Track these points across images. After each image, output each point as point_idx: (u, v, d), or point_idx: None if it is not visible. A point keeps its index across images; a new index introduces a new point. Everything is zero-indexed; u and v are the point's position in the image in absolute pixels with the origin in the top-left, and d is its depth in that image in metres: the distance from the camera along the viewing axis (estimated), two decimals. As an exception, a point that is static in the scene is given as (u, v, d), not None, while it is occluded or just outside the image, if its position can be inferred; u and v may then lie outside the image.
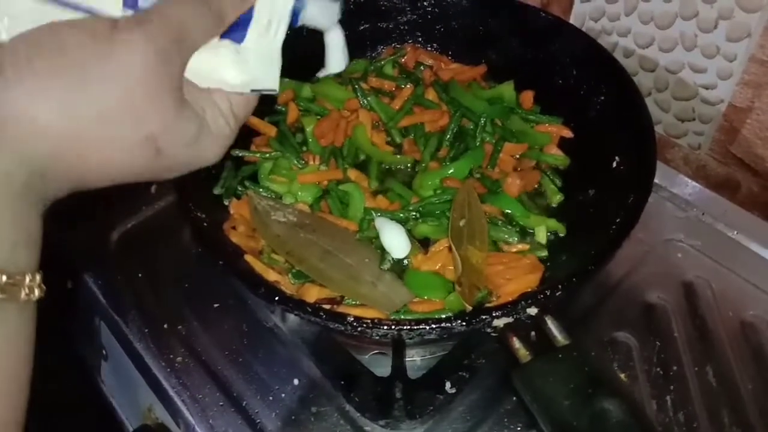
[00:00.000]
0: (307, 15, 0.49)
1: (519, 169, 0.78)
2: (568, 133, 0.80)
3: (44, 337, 0.85)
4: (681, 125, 0.95)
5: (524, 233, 0.73)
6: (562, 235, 0.72)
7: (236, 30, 0.43)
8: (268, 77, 0.45)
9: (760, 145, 0.87)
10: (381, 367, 0.69)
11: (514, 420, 0.66)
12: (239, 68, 0.43)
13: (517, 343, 0.53)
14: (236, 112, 0.45)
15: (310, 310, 0.56)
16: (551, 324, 0.53)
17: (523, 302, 0.55)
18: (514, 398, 0.66)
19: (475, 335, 0.69)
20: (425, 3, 0.88)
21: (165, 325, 0.76)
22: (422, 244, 0.72)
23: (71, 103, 0.36)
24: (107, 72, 0.36)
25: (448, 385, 0.66)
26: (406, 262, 0.70)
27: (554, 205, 0.76)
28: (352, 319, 0.55)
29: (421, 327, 0.55)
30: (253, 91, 0.45)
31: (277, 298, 0.57)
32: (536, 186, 0.77)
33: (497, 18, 0.86)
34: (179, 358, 0.74)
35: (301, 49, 0.86)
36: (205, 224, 0.65)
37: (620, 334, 0.72)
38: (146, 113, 0.38)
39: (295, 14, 0.46)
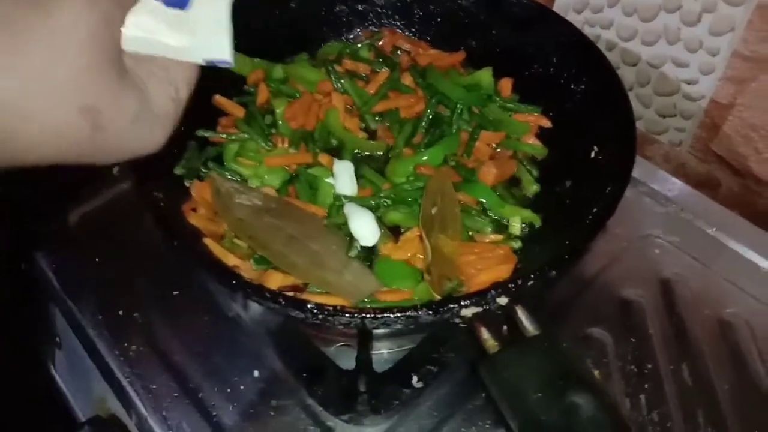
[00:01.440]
0: None
1: (495, 158, 0.76)
2: (546, 123, 0.77)
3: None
4: (662, 121, 0.93)
5: (498, 223, 0.70)
6: (537, 226, 0.70)
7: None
8: (219, 45, 0.43)
9: (741, 143, 0.85)
10: (346, 359, 0.67)
11: (483, 416, 0.64)
12: (185, 33, 0.41)
13: (485, 333, 0.50)
14: (179, 88, 0.42)
15: (269, 295, 0.53)
16: (521, 313, 0.50)
17: (493, 291, 0.52)
18: (484, 394, 0.64)
19: (444, 328, 0.66)
20: (404, -15, 0.85)
21: (120, 312, 0.73)
22: (393, 232, 0.69)
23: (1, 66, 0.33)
24: (44, 32, 0.33)
25: (415, 379, 0.64)
26: (376, 250, 0.67)
27: (530, 196, 0.74)
28: (313, 305, 0.52)
29: (385, 315, 0.52)
30: (205, 61, 0.43)
31: (234, 282, 0.54)
32: (512, 176, 0.75)
33: (477, 3, 0.83)
34: (134, 347, 0.70)
35: (273, 32, 0.84)
36: (162, 204, 0.61)
37: (595, 330, 0.70)
38: (85, 82, 0.35)
39: None
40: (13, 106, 0.34)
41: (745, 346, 0.69)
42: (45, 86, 0.34)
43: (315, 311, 0.52)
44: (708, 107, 0.86)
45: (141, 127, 0.39)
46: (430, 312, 0.52)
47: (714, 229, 0.79)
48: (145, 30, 0.40)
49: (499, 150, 0.76)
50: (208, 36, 0.42)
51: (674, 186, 0.84)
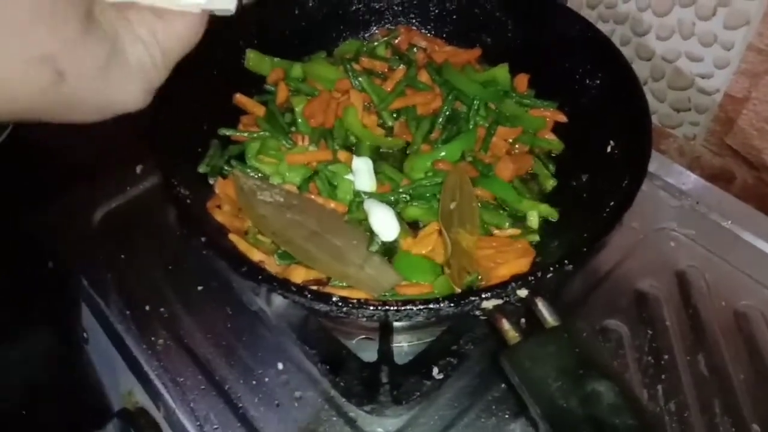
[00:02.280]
0: None
1: (512, 153, 0.77)
2: (562, 118, 0.78)
3: (26, 318, 0.83)
4: (676, 115, 0.93)
5: (516, 218, 0.71)
6: (554, 220, 0.71)
7: None
8: None
9: (756, 137, 0.86)
10: (368, 352, 0.68)
11: (502, 407, 0.65)
12: None
13: (506, 324, 0.51)
14: (162, 42, 0.39)
15: (294, 289, 0.55)
16: (541, 305, 0.51)
17: (513, 284, 0.53)
18: (503, 385, 0.65)
19: (464, 320, 0.67)
20: (420, -17, 0.86)
21: (147, 307, 0.75)
22: (412, 227, 0.70)
23: None
24: None
25: (435, 371, 0.65)
26: (395, 244, 0.68)
27: (547, 190, 0.75)
28: (338, 299, 0.53)
29: (407, 308, 0.53)
30: (204, 10, 0.41)
31: (260, 277, 0.56)
32: (529, 170, 0.76)
33: (492, 1, 0.84)
34: (161, 341, 0.72)
35: (291, 31, 0.85)
36: (188, 201, 0.63)
37: (611, 322, 0.71)
38: (43, 28, 0.32)
39: None
40: None
41: (760, 337, 0.69)
42: None
43: (339, 304, 0.54)
44: (722, 101, 0.87)
45: (112, 80, 0.36)
46: (452, 304, 0.53)
47: (729, 221, 0.79)
48: None
49: (516, 145, 0.77)
50: None
51: (689, 179, 0.84)
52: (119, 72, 0.36)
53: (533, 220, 0.70)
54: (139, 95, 0.38)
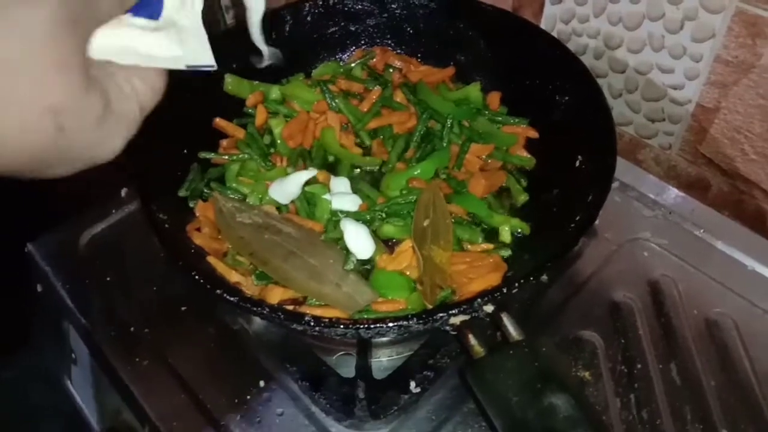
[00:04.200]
0: None
1: (485, 169, 0.78)
2: (534, 134, 0.80)
3: (13, 343, 0.84)
4: (651, 126, 0.95)
5: (489, 232, 0.73)
6: (526, 234, 0.73)
7: (149, 6, 0.41)
8: (199, 51, 0.43)
9: (728, 145, 0.87)
10: (347, 367, 0.69)
11: (478, 419, 0.66)
12: (164, 42, 0.41)
13: (472, 339, 0.53)
14: (140, 95, 0.40)
15: (267, 310, 0.56)
16: (506, 320, 0.53)
17: (479, 300, 0.55)
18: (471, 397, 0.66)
19: (440, 334, 0.69)
20: (394, 6, 0.88)
21: (132, 329, 0.76)
22: (388, 244, 0.72)
23: None
24: (5, 23, 0.30)
25: (413, 384, 0.66)
26: (371, 262, 0.70)
27: (519, 205, 0.76)
28: (310, 318, 0.55)
29: (378, 325, 0.55)
30: (188, 66, 0.43)
31: (236, 299, 0.57)
32: (501, 186, 0.77)
33: (465, 20, 0.86)
34: (146, 362, 0.73)
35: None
36: (166, 225, 0.65)
37: (585, 333, 0.72)
38: (51, 79, 0.32)
39: None
40: None
41: (732, 345, 0.71)
42: (3, 81, 0.31)
43: (312, 323, 0.55)
44: (694, 111, 0.89)
45: (103, 133, 0.37)
46: (421, 321, 0.55)
47: (702, 230, 0.81)
48: (124, 40, 0.39)
49: (489, 161, 0.79)
50: (188, 42, 0.42)
51: (662, 190, 0.86)
52: (109, 125, 0.37)
53: (505, 235, 0.72)
54: (119, 146, 0.39)
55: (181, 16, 0.42)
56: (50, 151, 0.34)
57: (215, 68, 0.45)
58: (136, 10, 0.40)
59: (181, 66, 0.43)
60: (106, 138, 0.38)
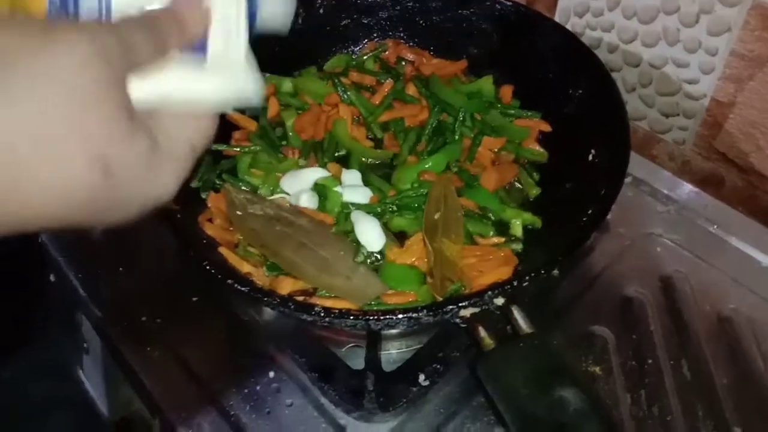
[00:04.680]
0: (263, 17, 0.46)
1: (497, 163, 0.78)
2: (546, 128, 0.79)
3: (27, 333, 0.85)
4: (666, 120, 0.94)
5: (500, 226, 0.72)
6: (538, 228, 0.72)
7: (196, 49, 0.40)
8: (246, 89, 0.43)
9: (742, 140, 0.87)
10: (357, 359, 0.69)
11: (487, 412, 0.66)
12: (208, 84, 0.40)
13: (482, 332, 0.52)
14: (192, 138, 0.39)
15: (278, 300, 0.57)
16: (516, 313, 0.53)
17: (489, 293, 0.55)
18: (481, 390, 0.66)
19: (449, 327, 0.69)
20: (406, -2, 0.88)
21: (143, 318, 0.76)
22: (399, 237, 0.72)
23: None
24: (40, 72, 0.30)
25: (422, 377, 0.66)
26: (380, 255, 0.70)
27: (531, 199, 0.76)
28: (320, 309, 0.55)
29: (388, 317, 0.55)
30: (235, 109, 0.43)
31: (247, 289, 0.58)
32: (514, 179, 0.77)
33: (477, 13, 0.86)
34: (157, 352, 0.74)
35: (282, 45, 0.87)
36: (178, 216, 0.65)
37: (597, 328, 0.72)
38: (93, 126, 0.32)
39: (251, 19, 0.44)
40: (6, 162, 0.30)
41: (745, 342, 0.70)
42: (49, 134, 0.30)
43: (322, 314, 0.55)
44: (709, 106, 0.88)
45: (154, 173, 0.36)
46: (431, 313, 0.55)
47: (715, 226, 0.80)
48: (160, 86, 0.38)
49: (501, 154, 0.79)
50: (233, 82, 0.42)
51: (675, 185, 0.85)
52: (159, 167, 0.37)
53: (517, 229, 0.72)
54: (173, 187, 0.39)
55: (227, 52, 0.41)
56: (100, 198, 0.34)
57: (259, 107, 0.44)
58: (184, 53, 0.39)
59: (228, 110, 0.42)
60: (157, 180, 0.37)
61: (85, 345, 0.84)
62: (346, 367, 0.68)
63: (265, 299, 0.57)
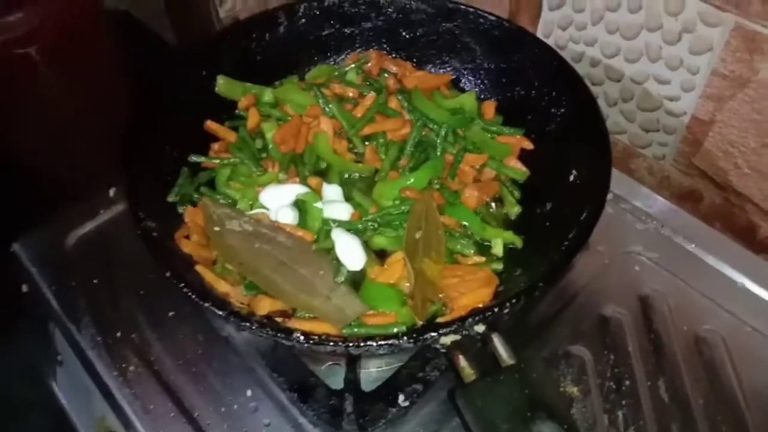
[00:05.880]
0: None
1: (479, 180, 0.78)
2: (528, 145, 0.79)
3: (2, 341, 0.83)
4: (646, 136, 0.95)
5: (481, 245, 0.72)
6: (519, 247, 0.72)
7: None
8: None
9: (722, 158, 0.87)
10: (336, 378, 0.69)
11: (466, 434, 0.66)
12: None
13: (462, 361, 0.52)
14: None
15: (256, 326, 0.56)
16: (497, 342, 0.52)
17: (470, 320, 0.54)
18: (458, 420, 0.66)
19: (429, 348, 0.68)
20: (390, 9, 0.87)
21: (118, 333, 0.75)
22: (380, 255, 0.71)
23: None
24: None
25: (401, 398, 0.66)
26: (362, 273, 0.69)
27: (512, 218, 0.76)
28: (299, 335, 0.55)
29: (368, 344, 0.54)
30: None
31: (224, 313, 0.57)
32: (495, 197, 0.77)
33: (461, 26, 0.85)
34: (132, 368, 0.73)
35: (262, 56, 0.86)
36: (154, 234, 0.64)
37: (575, 348, 0.72)
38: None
39: None
40: None
41: (720, 362, 0.71)
42: None
43: (301, 340, 0.55)
44: (689, 123, 0.88)
45: None
46: (411, 340, 0.54)
47: (693, 245, 0.81)
48: None
49: (482, 172, 0.78)
50: None
51: (655, 202, 0.86)
52: None
53: (498, 248, 0.71)
54: None
55: None
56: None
57: None
58: None
59: None
60: None
61: (59, 357, 0.82)
62: (325, 387, 0.68)
63: (243, 323, 0.56)
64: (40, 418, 0.88)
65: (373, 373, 0.72)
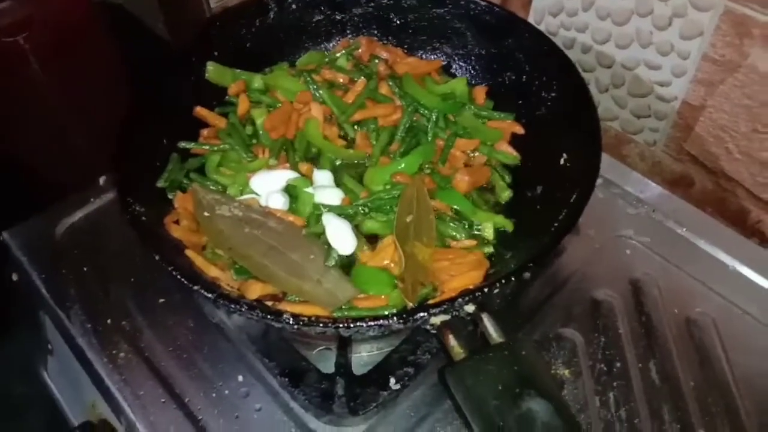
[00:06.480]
0: None
1: (470, 164, 0.78)
2: (519, 130, 0.79)
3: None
4: (637, 121, 0.95)
5: (472, 229, 0.72)
6: (509, 231, 0.72)
7: None
8: None
9: (713, 143, 0.87)
10: (327, 362, 0.69)
11: (458, 417, 0.66)
12: None
13: (452, 341, 0.52)
14: None
15: (246, 308, 0.55)
16: (487, 321, 0.52)
17: (460, 299, 0.54)
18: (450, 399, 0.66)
19: (421, 330, 0.68)
20: (380, -6, 0.87)
21: (109, 321, 0.75)
22: (370, 239, 0.71)
23: None
24: None
25: (392, 381, 0.66)
26: (353, 257, 0.69)
27: (503, 202, 0.76)
28: (289, 316, 0.54)
29: (357, 324, 0.54)
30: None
31: (213, 296, 0.56)
32: (486, 182, 0.77)
33: (452, 12, 0.85)
34: (122, 354, 0.72)
35: (252, 42, 0.86)
36: (143, 218, 0.63)
37: (566, 330, 0.72)
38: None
39: None
40: None
41: (710, 344, 0.71)
42: None
43: (291, 322, 0.55)
44: (680, 108, 0.88)
45: None
46: (401, 321, 0.54)
47: (684, 229, 0.81)
48: None
49: (473, 156, 0.78)
50: None
51: (646, 187, 0.86)
52: None
53: (488, 232, 0.71)
54: None
55: None
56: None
57: None
58: None
59: None
60: None
61: (49, 346, 0.82)
62: (316, 371, 0.67)
63: (233, 306, 0.55)
64: (36, 414, 0.88)
65: (364, 357, 0.72)
